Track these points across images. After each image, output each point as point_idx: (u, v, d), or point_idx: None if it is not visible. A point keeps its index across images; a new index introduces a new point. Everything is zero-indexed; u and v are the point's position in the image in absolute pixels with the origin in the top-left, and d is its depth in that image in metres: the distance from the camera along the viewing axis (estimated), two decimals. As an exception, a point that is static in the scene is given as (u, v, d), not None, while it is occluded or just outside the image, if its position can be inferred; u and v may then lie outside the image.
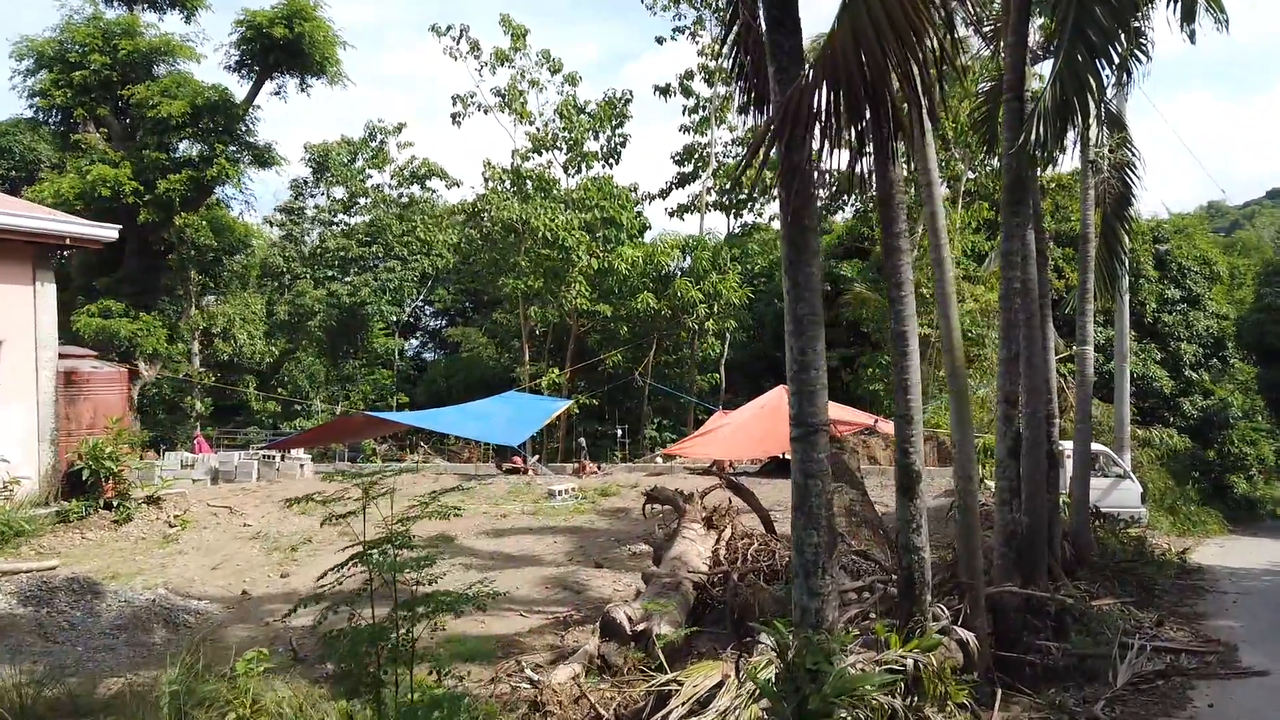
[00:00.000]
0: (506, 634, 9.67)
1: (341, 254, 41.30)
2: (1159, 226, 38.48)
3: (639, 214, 34.51)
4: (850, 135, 5.41)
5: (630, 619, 7.65)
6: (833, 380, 33.51)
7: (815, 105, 5.20)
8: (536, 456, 27.90)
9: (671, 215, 35.53)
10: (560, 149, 32.64)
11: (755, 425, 19.82)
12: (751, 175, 5.88)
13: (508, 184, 32.60)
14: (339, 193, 44.80)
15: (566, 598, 11.20)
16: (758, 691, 4.93)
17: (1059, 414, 28.41)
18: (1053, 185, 38.70)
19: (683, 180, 35.44)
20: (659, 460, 22.83)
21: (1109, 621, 9.28)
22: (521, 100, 32.13)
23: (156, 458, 28.45)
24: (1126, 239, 12.57)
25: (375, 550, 4.54)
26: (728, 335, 35.04)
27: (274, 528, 15.50)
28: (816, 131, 5.27)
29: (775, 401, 20.65)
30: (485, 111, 32.43)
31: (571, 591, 11.46)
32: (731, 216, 34.83)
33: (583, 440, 25.55)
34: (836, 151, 5.51)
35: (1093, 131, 12.01)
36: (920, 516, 6.02)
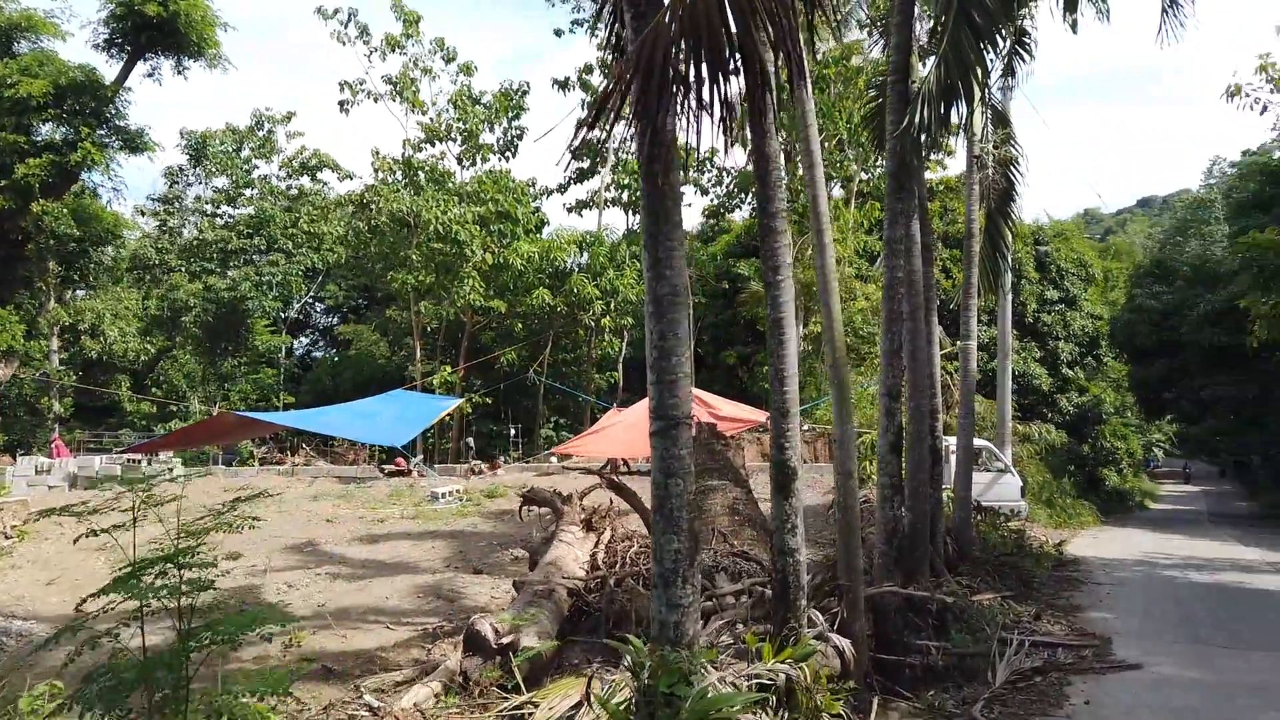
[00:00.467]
0: (369, 649, 8.95)
1: (221, 246, 39.20)
2: (1040, 230, 39.97)
3: (537, 209, 33.82)
4: (717, 94, 4.93)
5: (496, 631, 7.06)
6: (730, 378, 33.72)
7: (673, 54, 4.69)
8: (421, 458, 26.94)
9: (570, 211, 34.89)
10: (454, 140, 31.67)
11: (649, 422, 19.42)
12: (600, 136, 5.29)
13: (399, 175, 31.46)
14: (221, 183, 42.56)
15: (439, 607, 10.53)
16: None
17: (943, 409, 29.27)
18: (941, 187, 39.81)
19: (581, 176, 34.85)
20: (553, 460, 22.24)
21: (989, 617, 9.20)
22: (414, 89, 31.04)
23: (11, 462, 26.31)
24: (1010, 236, 12.67)
25: (153, 569, 3.87)
26: (626, 333, 34.71)
27: (124, 537, 14.26)
28: (678, 88, 4.76)
29: (668, 399, 20.37)
30: (376, 100, 31.21)
31: (445, 600, 10.80)
32: (630, 213, 34.40)
33: (470, 441, 24.70)
34: (706, 118, 5.01)
35: (978, 125, 12.03)
36: (796, 516, 5.65)
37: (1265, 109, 15.01)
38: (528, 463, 26.02)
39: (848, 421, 6.63)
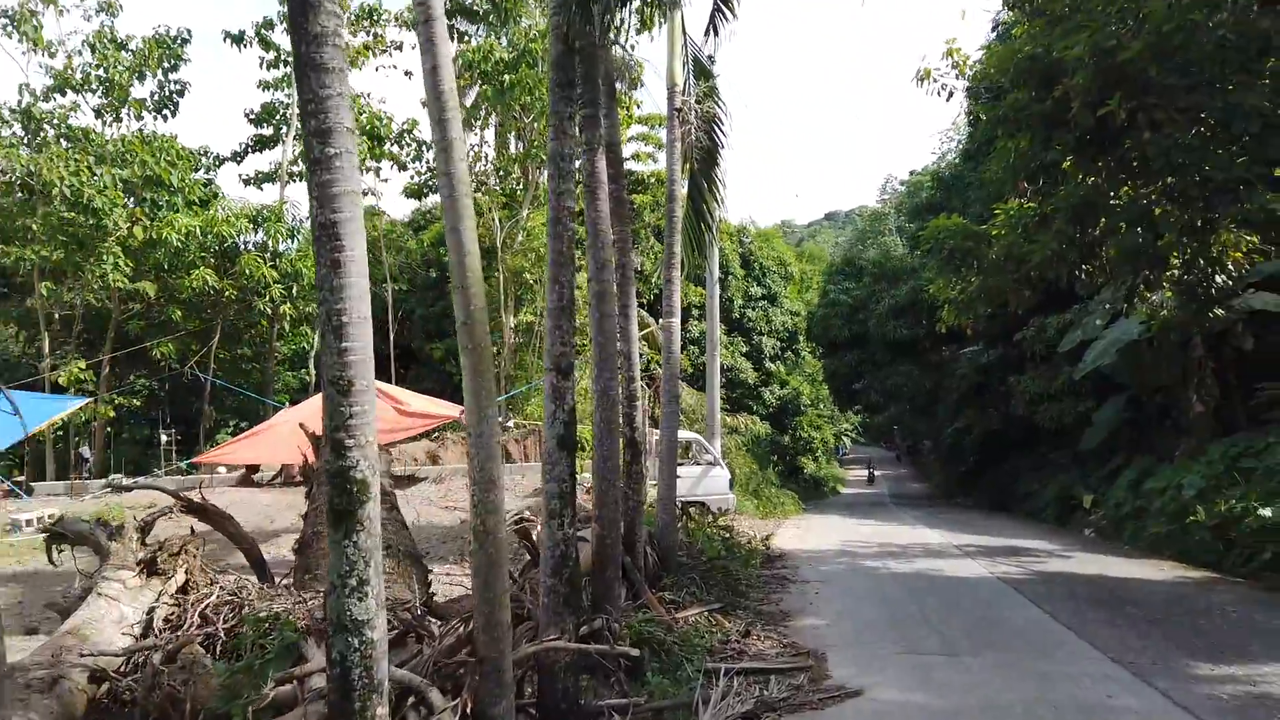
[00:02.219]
0: None
1: None
2: (744, 230, 41.13)
3: (209, 182, 29.13)
4: None
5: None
6: (439, 374, 30.94)
7: None
8: (20, 477, 21.89)
9: (249, 184, 30.37)
10: (93, 91, 26.30)
11: (315, 423, 16.46)
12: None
13: (18, 128, 25.64)
14: None
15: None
16: None
17: (641, 396, 28.46)
18: (653, 180, 39.77)
19: (260, 143, 30.50)
20: (198, 470, 18.46)
21: (693, 645, 7.64)
22: (35, 23, 25.38)
23: None
24: (717, 201, 11.41)
25: None
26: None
27: None
28: None
29: (346, 395, 17.49)
30: (-15, 33, 25.19)
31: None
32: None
33: (85, 451, 20.18)
34: None
35: (678, 74, 10.59)
36: (366, 565, 3.47)
37: (951, 94, 14.96)
38: (185, 475, 21.76)
39: (488, 405, 4.62)
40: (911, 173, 61.49)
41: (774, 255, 40.93)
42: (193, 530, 6.88)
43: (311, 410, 17.11)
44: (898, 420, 62.71)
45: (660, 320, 10.46)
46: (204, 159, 29.57)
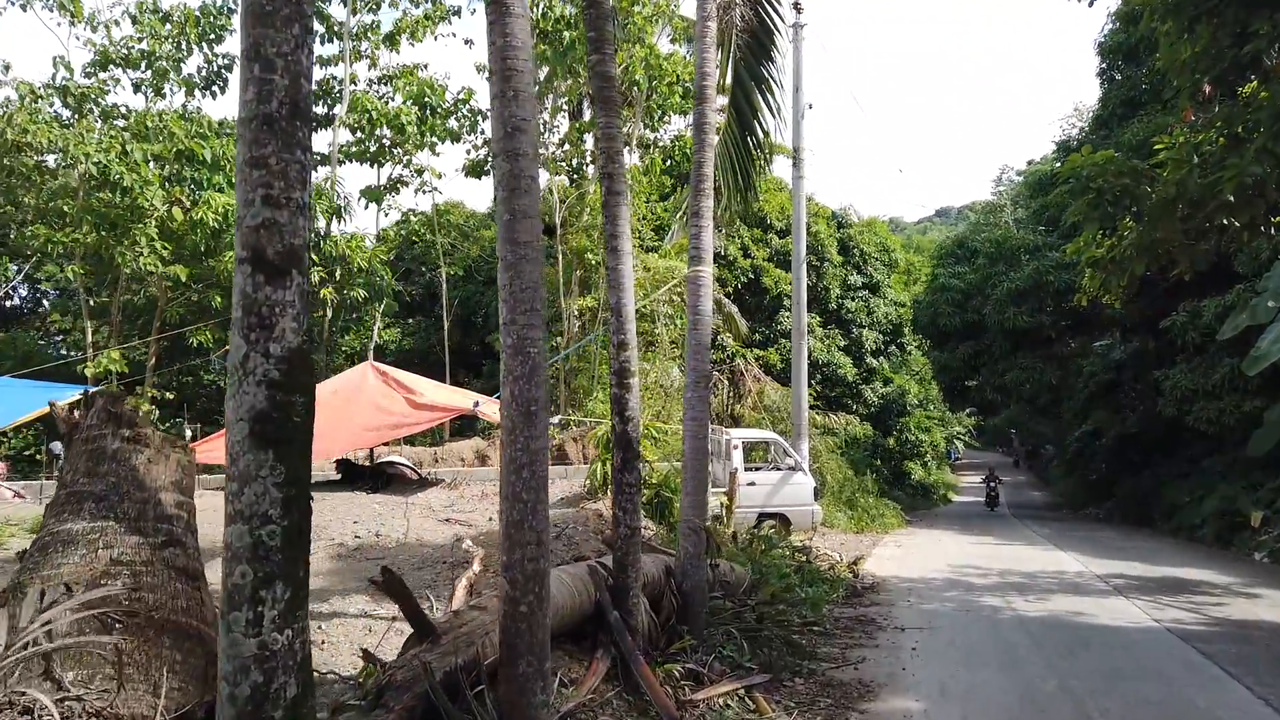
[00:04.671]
0: None
1: None
2: (843, 214, 37.40)
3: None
4: None
5: None
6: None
7: None
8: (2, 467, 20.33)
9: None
10: (135, 66, 24.86)
11: (320, 416, 13.97)
12: None
13: (57, 104, 24.37)
14: None
15: None
16: None
17: (738, 398, 25.24)
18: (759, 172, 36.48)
19: (316, 123, 28.69)
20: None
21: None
22: (75, -7, 24.06)
23: None
24: (771, 117, 8.31)
25: None
26: (378, 316, 28.95)
27: None
28: None
29: (356, 382, 14.99)
30: (24, 7, 24.01)
31: None
32: (377, 167, 28.51)
33: (55, 446, 18.40)
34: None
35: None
36: None
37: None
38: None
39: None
40: (1030, 162, 56.39)
41: (875, 240, 37.09)
42: None
43: (318, 401, 14.73)
44: (1016, 422, 57.65)
45: (687, 268, 7.41)
46: (215, 126, 27.90)
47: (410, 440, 21.58)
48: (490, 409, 13.01)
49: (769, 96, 8.29)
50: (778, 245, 31.84)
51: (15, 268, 32.91)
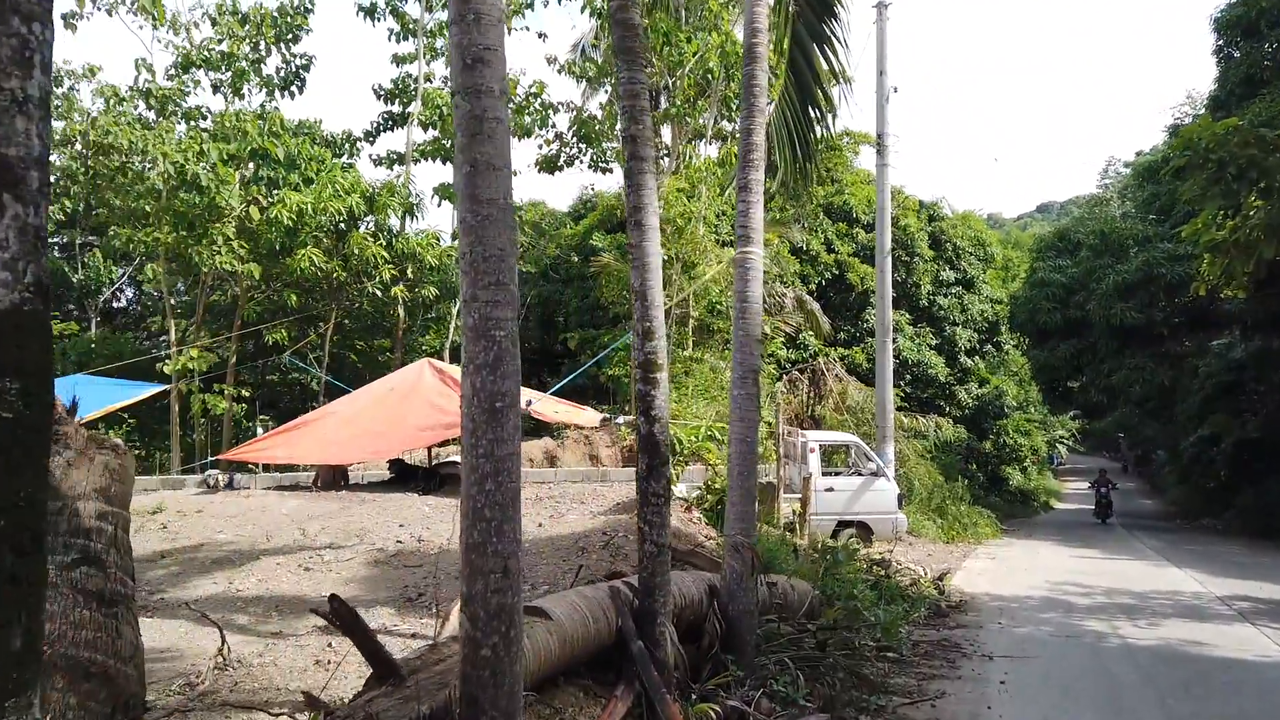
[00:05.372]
0: None
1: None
2: (935, 206, 35.61)
3: (341, 158, 27.61)
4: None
5: None
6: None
7: None
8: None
9: (379, 164, 28.56)
10: (216, 68, 25.16)
11: (375, 415, 13.61)
12: None
13: (141, 107, 24.84)
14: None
15: None
16: None
17: (819, 399, 24.00)
18: (821, 145, 35.03)
19: (390, 122, 28.68)
20: (217, 476, 15.77)
21: None
22: (156, -6, 24.44)
23: None
24: (835, 82, 7.32)
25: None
26: (455, 315, 28.68)
27: None
28: None
29: (412, 380, 14.53)
30: (110, 12, 24.57)
31: None
32: (446, 163, 28.27)
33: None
34: None
35: None
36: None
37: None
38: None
39: None
40: (1138, 153, 52.84)
41: (969, 234, 35.19)
42: None
43: (358, 407, 14.29)
44: (1124, 425, 54.22)
45: (736, 250, 6.53)
46: (330, 134, 28.09)
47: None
48: (544, 407, 12.33)
49: (833, 58, 7.32)
50: (864, 240, 30.45)
51: (120, 270, 34.06)
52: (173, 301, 24.88)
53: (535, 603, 4.82)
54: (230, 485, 15.82)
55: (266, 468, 18.17)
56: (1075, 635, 10.03)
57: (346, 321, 28.42)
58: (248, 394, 23.51)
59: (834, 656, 7.33)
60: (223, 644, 6.10)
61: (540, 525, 10.96)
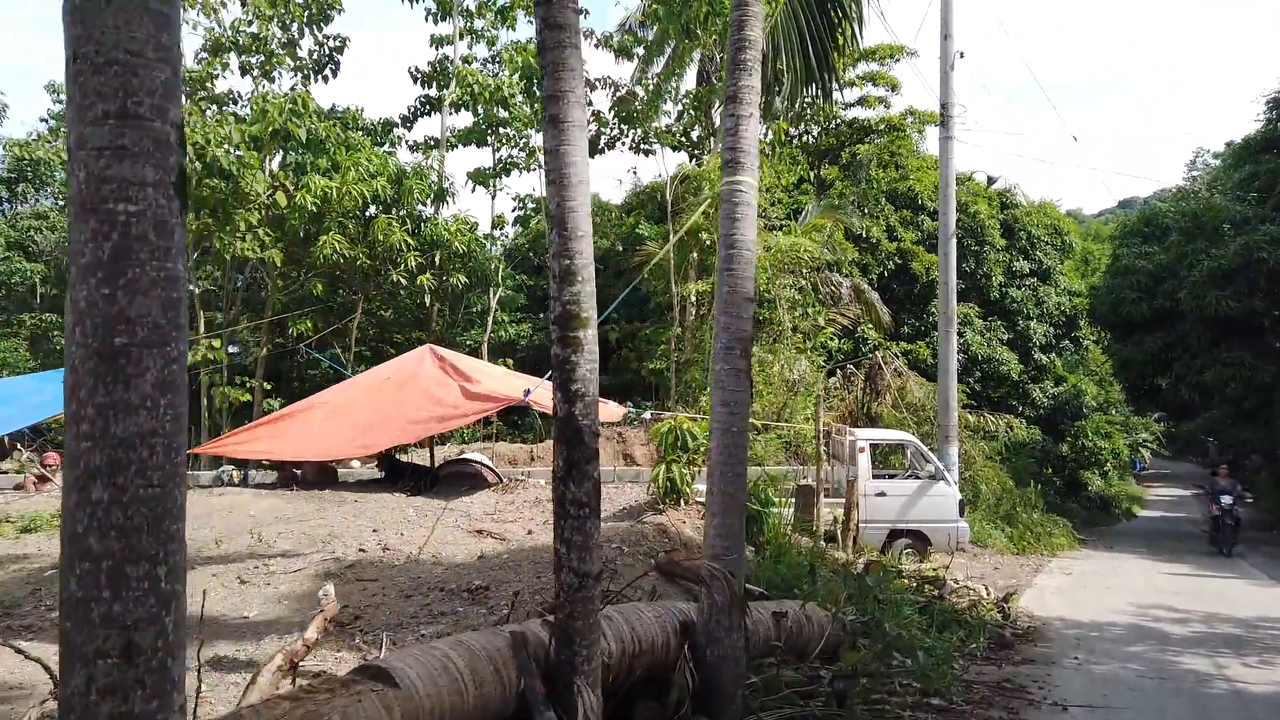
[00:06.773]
0: None
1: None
2: (1007, 194, 33.19)
3: (379, 144, 26.68)
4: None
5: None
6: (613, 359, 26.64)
7: None
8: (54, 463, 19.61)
9: (414, 150, 27.46)
10: (250, 52, 24.36)
11: (367, 405, 12.31)
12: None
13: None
14: None
15: None
16: None
17: (875, 395, 22.02)
18: (882, 125, 32.93)
19: (428, 106, 27.55)
20: (231, 473, 14.62)
21: None
22: (189, -23, 23.76)
23: None
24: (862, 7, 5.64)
25: None
26: (495, 306, 27.38)
27: None
28: None
29: (411, 368, 13.20)
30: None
31: None
32: (493, 150, 26.97)
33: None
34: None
35: None
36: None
37: None
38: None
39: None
40: (1228, 144, 48.92)
41: (1045, 222, 32.68)
42: None
43: (348, 396, 12.98)
44: (1215, 428, 50.34)
45: (722, 180, 4.94)
46: (361, 118, 27.15)
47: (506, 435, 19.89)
48: (543, 397, 10.87)
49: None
50: (929, 227, 28.32)
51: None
52: (197, 290, 24.12)
53: (382, 660, 3.35)
54: (245, 483, 14.79)
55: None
56: (1171, 677, 8.17)
57: (384, 313, 27.44)
58: (270, 386, 22.55)
59: (858, 709, 5.69)
60: (56, 686, 4.74)
61: (530, 532, 9.49)
